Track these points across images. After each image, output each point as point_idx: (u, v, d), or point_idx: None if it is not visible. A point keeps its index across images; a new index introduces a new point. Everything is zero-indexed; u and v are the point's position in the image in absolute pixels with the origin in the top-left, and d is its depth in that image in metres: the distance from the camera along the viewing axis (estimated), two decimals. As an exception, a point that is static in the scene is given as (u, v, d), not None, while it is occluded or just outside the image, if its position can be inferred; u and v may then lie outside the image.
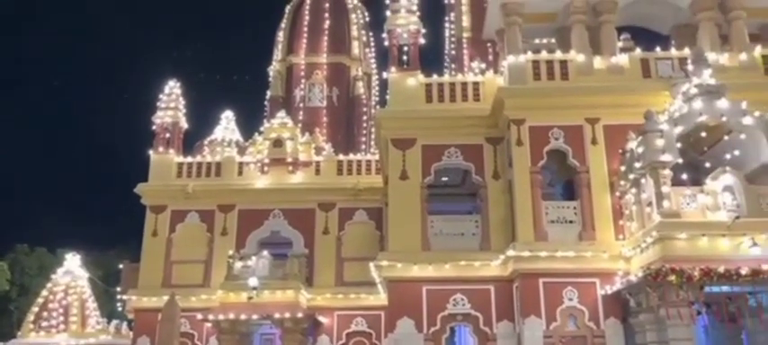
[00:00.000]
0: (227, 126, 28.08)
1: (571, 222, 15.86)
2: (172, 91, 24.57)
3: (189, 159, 23.95)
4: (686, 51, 16.41)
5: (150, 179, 23.47)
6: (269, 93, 29.32)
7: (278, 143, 23.61)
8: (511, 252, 15.45)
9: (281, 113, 24.93)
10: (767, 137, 14.07)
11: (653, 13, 18.45)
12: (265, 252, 21.08)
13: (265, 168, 23.45)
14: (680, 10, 17.81)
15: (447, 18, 27.58)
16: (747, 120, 14.27)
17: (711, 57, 15.92)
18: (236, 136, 27.66)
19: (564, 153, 16.31)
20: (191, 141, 26.36)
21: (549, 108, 16.41)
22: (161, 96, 24.46)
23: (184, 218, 22.96)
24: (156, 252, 22.52)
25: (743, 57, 16.65)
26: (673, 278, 12.70)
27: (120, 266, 24.36)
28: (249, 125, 28.64)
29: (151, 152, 23.76)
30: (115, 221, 43.04)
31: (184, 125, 24.67)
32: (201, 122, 28.51)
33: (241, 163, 23.78)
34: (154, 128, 24.00)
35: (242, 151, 24.87)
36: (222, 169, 23.66)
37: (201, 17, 64.48)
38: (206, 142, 26.84)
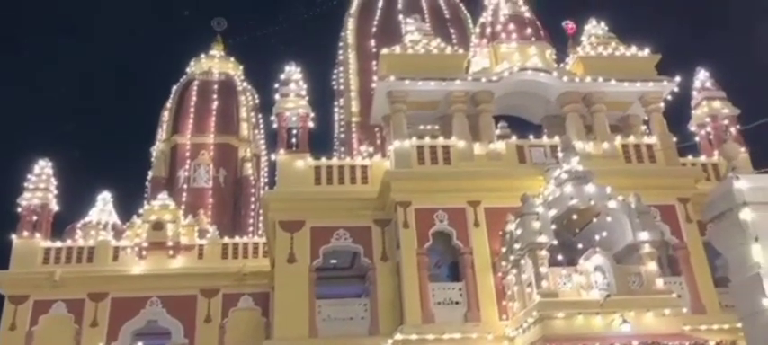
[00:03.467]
0: (103, 208, 26.37)
1: (457, 303, 16.12)
2: (42, 171, 22.88)
3: (58, 244, 22.12)
4: (556, 139, 17.71)
5: (11, 266, 21.35)
6: (151, 174, 28.12)
7: (158, 226, 22.43)
8: (399, 336, 15.35)
9: (163, 194, 23.88)
10: (630, 219, 15.22)
11: (526, 105, 19.87)
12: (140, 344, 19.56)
13: (143, 252, 22.09)
14: (549, 102, 19.31)
15: (336, 103, 28.21)
16: (612, 204, 15.42)
17: (578, 145, 17.30)
18: (114, 218, 26.05)
19: (448, 235, 16.77)
20: (62, 224, 24.47)
21: (433, 191, 16.94)
22: (30, 176, 22.70)
23: (49, 309, 20.92)
24: (12, 349, 20.20)
25: (606, 145, 18.21)
26: (553, 356, 13.10)
27: (-32, 366, 21.56)
28: (128, 207, 27.11)
29: (14, 236, 21.73)
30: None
31: (55, 207, 22.92)
32: (75, 204, 26.63)
33: (117, 248, 22.29)
34: (19, 210, 22.08)
35: (119, 235, 23.41)
36: (95, 254, 22.03)
37: (80, 92, 61.43)
38: (79, 225, 24.99)
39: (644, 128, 20.20)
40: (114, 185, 27.30)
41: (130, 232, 22.98)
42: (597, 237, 15.77)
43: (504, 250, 16.04)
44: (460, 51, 20.49)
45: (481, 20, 21.25)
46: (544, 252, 14.50)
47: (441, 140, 18.08)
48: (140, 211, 23.73)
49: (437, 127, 19.75)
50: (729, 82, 21.92)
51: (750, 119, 20.04)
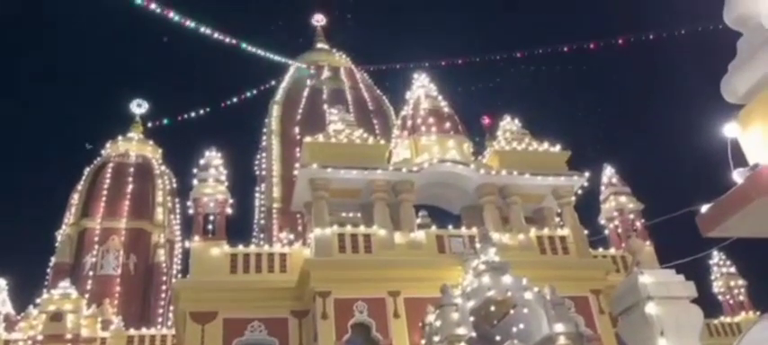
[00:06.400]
0: (-4, 297, 24.29)
1: (375, 399, 15.56)
2: (-73, 254, 21.00)
3: (-62, 337, 20.04)
4: (474, 230, 17.99)
5: None
6: (53, 260, 26.32)
7: (57, 317, 20.83)
8: None
9: (65, 282, 22.32)
10: (545, 311, 15.41)
11: (445, 195, 20.24)
12: None
13: (38, 346, 20.33)
14: (467, 193, 19.75)
15: (258, 188, 27.82)
16: (528, 295, 15.60)
17: (495, 236, 17.60)
18: (7, 308, 23.98)
19: (368, 326, 16.37)
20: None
21: (353, 280, 16.62)
22: None
23: None
24: None
25: (521, 237, 18.64)
26: None
27: None
28: (25, 296, 25.07)
29: None
30: None
31: (-61, 295, 20.91)
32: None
33: (8, 341, 20.40)
34: None
35: (11, 326, 21.49)
36: (-19, 348, 20.09)
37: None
38: (-34, 316, 22.79)
39: (557, 219, 20.91)
40: (11, 272, 25.32)
41: (25, 324, 21.21)
42: (514, 329, 15.79)
43: (423, 342, 15.77)
44: (382, 142, 20.87)
45: (403, 113, 21.85)
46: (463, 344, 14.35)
47: (362, 229, 17.97)
48: (38, 301, 22.00)
49: (359, 214, 19.70)
50: (634, 177, 23.36)
51: (654, 212, 21.27)
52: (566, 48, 23.50)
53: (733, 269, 25.44)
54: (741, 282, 25.17)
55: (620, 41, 22.35)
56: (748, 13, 4.01)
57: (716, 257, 25.38)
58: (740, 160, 4.22)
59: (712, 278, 25.49)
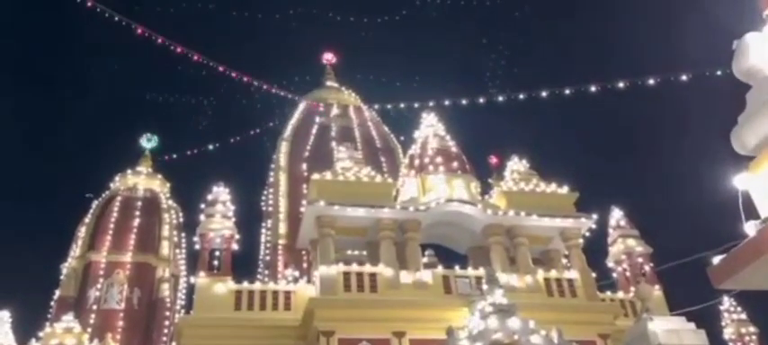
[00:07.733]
0: (-1, 329, 24.14)
1: None
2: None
3: (-62, 370, 19.88)
4: (481, 271, 17.82)
5: None
6: (58, 293, 26.23)
7: (58, 351, 20.65)
8: None
9: (69, 316, 22.18)
10: (553, 355, 15.14)
11: (452, 234, 20.15)
12: None
13: (38, 381, 20.13)
14: (474, 233, 19.63)
15: (264, 224, 27.78)
16: (536, 339, 15.32)
17: (502, 277, 17.43)
18: (9, 341, 23.81)
19: (372, 368, 16.16)
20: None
21: (358, 320, 16.46)
22: None
23: None
24: None
25: (529, 279, 18.45)
26: None
27: None
28: (29, 329, 24.91)
29: None
30: None
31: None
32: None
33: (9, 375, 20.22)
34: None
35: (12, 360, 21.32)
36: (-18, 382, 19.89)
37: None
38: (-34, 348, 22.67)
39: (565, 261, 20.71)
40: (14, 304, 25.22)
41: (27, 357, 21.03)
42: (522, 373, 15.51)
43: (428, 385, 15.53)
44: (390, 180, 20.84)
45: (410, 151, 21.87)
46: (469, 389, 14.10)
47: (368, 267, 17.84)
48: (40, 334, 21.87)
49: (365, 253, 19.61)
50: (643, 220, 23.13)
51: (664, 256, 21.05)
52: (566, 91, 23.54)
53: (744, 316, 24.96)
54: (753, 329, 24.65)
55: (620, 85, 22.32)
56: (757, 66, 4.02)
57: (727, 303, 24.97)
58: (751, 209, 4.19)
59: (723, 324, 25.04)
